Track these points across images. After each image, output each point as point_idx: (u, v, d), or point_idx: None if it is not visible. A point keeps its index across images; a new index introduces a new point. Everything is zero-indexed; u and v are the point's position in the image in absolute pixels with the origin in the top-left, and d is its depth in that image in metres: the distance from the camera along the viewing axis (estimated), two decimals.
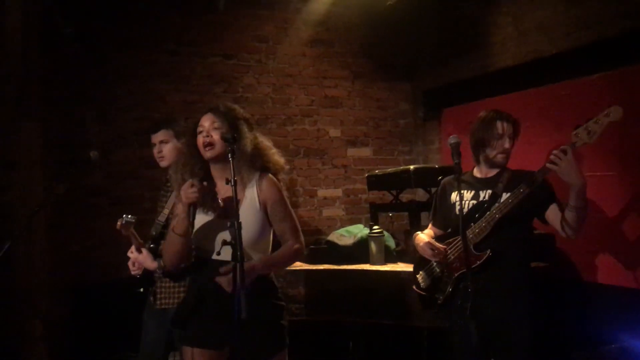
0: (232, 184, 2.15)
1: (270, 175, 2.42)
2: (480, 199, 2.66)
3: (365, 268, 3.71)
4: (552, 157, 2.42)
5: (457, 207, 2.65)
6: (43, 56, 3.86)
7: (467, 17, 4.59)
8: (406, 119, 5.31)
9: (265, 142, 2.47)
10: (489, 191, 2.65)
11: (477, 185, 2.71)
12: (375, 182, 4.32)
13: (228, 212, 2.31)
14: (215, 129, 2.33)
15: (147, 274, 3.06)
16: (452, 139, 2.47)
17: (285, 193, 2.45)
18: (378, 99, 5.22)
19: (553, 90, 3.87)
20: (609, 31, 3.43)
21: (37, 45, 3.81)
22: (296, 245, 2.39)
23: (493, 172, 2.70)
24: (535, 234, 3.65)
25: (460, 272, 2.61)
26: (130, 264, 3.01)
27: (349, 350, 4.12)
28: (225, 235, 2.19)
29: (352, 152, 5.10)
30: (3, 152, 3.85)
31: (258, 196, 2.38)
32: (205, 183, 2.32)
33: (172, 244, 2.36)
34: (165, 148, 3.08)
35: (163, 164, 3.12)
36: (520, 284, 2.60)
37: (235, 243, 2.09)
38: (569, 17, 3.71)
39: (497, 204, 2.56)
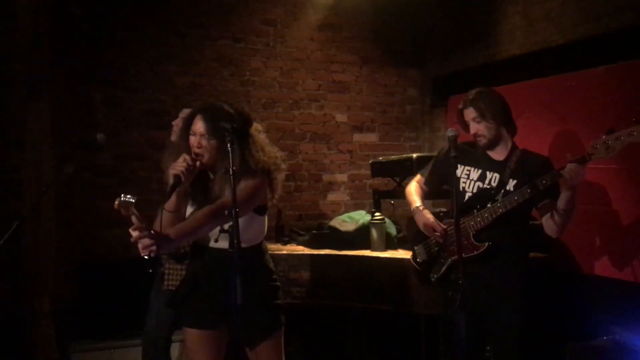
0: (231, 173, 2.19)
1: (261, 174, 2.39)
2: (487, 181, 2.70)
3: (365, 254, 3.75)
4: (568, 169, 2.44)
5: (461, 185, 2.74)
6: (53, 37, 3.90)
7: (477, 5, 4.56)
8: (413, 105, 5.31)
9: (259, 143, 2.42)
10: (496, 175, 2.69)
11: (486, 164, 2.74)
12: (378, 169, 4.34)
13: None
14: (206, 140, 2.33)
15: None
16: (450, 132, 2.50)
17: (267, 193, 2.44)
18: (386, 84, 5.21)
19: (559, 81, 3.85)
20: (617, 24, 3.41)
21: (47, 27, 3.84)
22: (210, 207, 2.28)
23: (500, 152, 2.73)
24: (537, 224, 3.68)
25: (457, 257, 2.65)
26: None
27: (348, 334, 4.19)
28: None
29: (358, 137, 5.11)
30: (13, 132, 3.93)
31: None
32: (198, 163, 2.33)
33: (157, 220, 2.36)
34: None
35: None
36: (514, 273, 2.67)
37: (233, 231, 2.16)
38: (578, 8, 3.68)
39: (502, 198, 2.59)
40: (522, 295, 2.66)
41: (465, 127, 2.76)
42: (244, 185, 2.33)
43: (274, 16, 4.83)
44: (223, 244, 2.27)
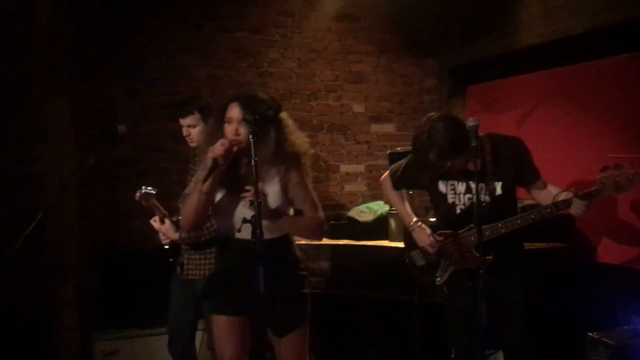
0: (253, 163, 2.23)
1: (295, 163, 2.47)
2: (474, 192, 2.57)
3: (384, 244, 3.77)
4: (575, 206, 2.41)
5: (450, 200, 2.69)
6: (72, 31, 3.95)
7: None
8: (431, 95, 5.28)
9: (290, 127, 2.50)
10: (482, 185, 2.58)
11: (466, 175, 2.64)
12: (397, 160, 4.30)
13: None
14: (244, 127, 2.34)
15: (175, 244, 3.18)
16: (470, 122, 2.47)
17: (308, 175, 2.53)
18: (403, 74, 5.19)
19: (579, 70, 3.82)
20: (638, 11, 3.36)
21: (66, 21, 3.89)
22: (313, 218, 2.51)
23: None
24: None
25: (460, 267, 2.68)
26: (161, 234, 3.14)
27: (366, 324, 4.21)
28: (246, 214, 2.29)
29: (375, 128, 5.10)
30: (34, 125, 3.98)
31: (280, 179, 2.45)
32: (235, 148, 2.36)
33: (191, 201, 2.42)
34: (194, 132, 3.18)
35: (192, 145, 3.23)
36: (515, 262, 2.69)
37: (255, 221, 2.19)
38: None
39: (494, 205, 2.58)
40: (524, 280, 2.69)
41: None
42: (302, 177, 2.47)
43: (291, 7, 4.82)
44: (246, 234, 2.28)
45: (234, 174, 2.45)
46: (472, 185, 2.61)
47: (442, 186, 2.73)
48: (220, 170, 2.34)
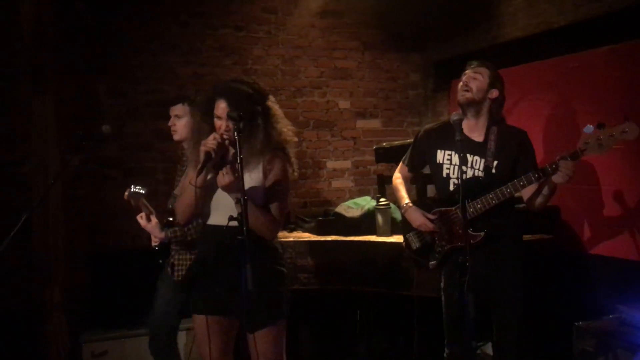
0: (239, 161, 2.22)
1: (280, 152, 2.50)
2: (469, 164, 2.69)
3: (371, 239, 3.78)
4: (563, 166, 2.43)
5: (445, 171, 2.72)
6: (56, 29, 3.91)
7: None
8: (416, 90, 5.30)
9: (277, 115, 2.52)
10: (478, 159, 2.67)
11: (466, 147, 2.69)
12: (382, 155, 4.35)
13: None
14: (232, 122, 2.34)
15: (165, 246, 3.18)
16: (454, 116, 2.51)
17: (289, 170, 2.53)
18: (388, 70, 5.20)
19: (562, 62, 3.86)
20: (620, 3, 3.39)
21: (50, 19, 3.85)
22: (275, 219, 2.47)
23: (479, 128, 2.72)
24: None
25: (454, 246, 2.69)
26: (152, 236, 3.13)
27: (356, 318, 4.23)
28: (233, 207, 2.31)
29: (361, 123, 5.11)
30: (19, 125, 3.95)
31: (263, 167, 2.47)
32: (227, 142, 2.39)
33: (186, 196, 2.45)
34: (179, 122, 3.21)
35: (175, 137, 3.26)
36: (512, 249, 2.73)
37: (242, 218, 2.19)
38: None
39: (487, 180, 2.61)
40: (520, 268, 2.72)
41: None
42: (284, 169, 2.47)
43: (275, 4, 4.81)
44: (234, 224, 2.29)
45: (222, 165, 2.44)
46: (469, 157, 2.68)
47: (440, 155, 2.76)
48: (212, 163, 2.35)
